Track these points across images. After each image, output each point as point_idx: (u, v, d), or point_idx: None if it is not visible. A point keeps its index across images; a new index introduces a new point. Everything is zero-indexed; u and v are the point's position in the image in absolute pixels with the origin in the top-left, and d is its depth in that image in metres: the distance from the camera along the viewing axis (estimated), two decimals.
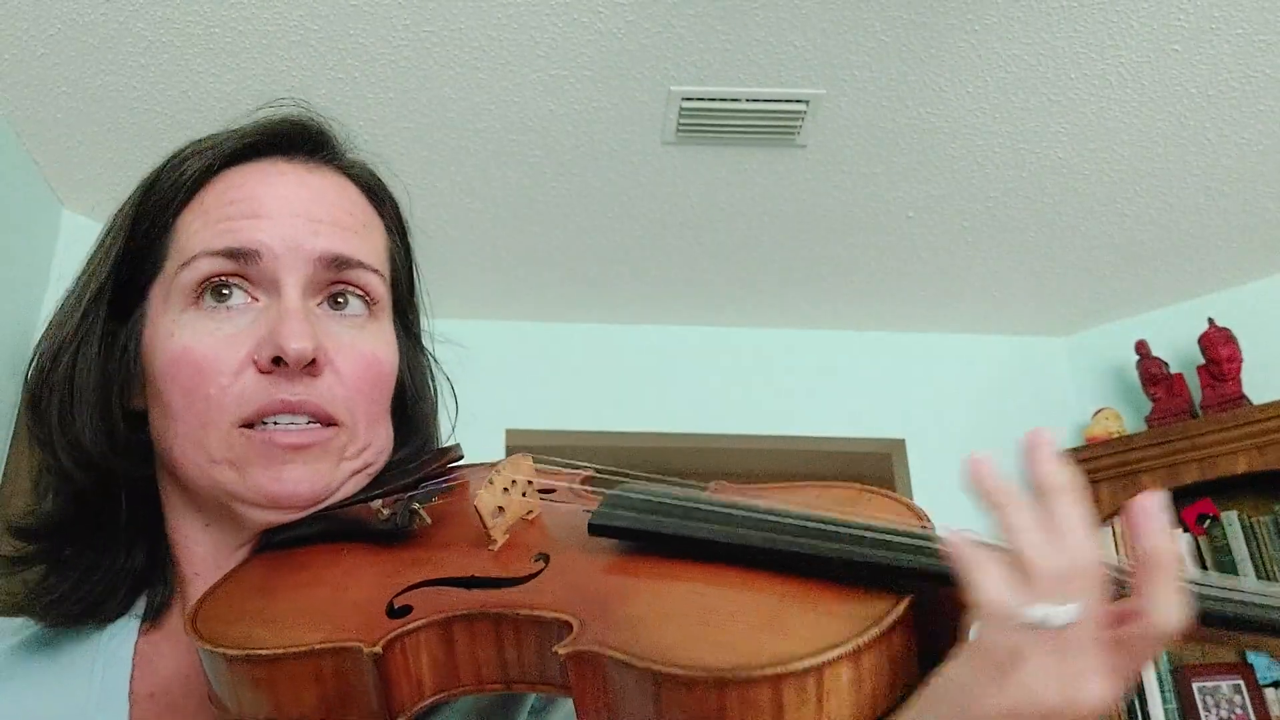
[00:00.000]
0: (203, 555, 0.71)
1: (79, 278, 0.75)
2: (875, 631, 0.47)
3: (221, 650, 0.56)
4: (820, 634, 0.47)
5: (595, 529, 0.59)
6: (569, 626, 0.51)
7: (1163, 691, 3.11)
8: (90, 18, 2.27)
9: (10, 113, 2.57)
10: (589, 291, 3.52)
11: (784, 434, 3.61)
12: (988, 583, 0.47)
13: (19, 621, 0.72)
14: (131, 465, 0.71)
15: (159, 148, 0.76)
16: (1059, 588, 0.46)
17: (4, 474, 2.61)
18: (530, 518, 0.66)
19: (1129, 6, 2.27)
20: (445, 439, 0.82)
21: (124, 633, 0.71)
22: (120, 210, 0.75)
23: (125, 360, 0.71)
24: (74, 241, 2.90)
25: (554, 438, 3.46)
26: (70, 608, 0.69)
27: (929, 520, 0.57)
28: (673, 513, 0.58)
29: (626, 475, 0.66)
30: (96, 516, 0.70)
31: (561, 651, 0.50)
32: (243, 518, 0.68)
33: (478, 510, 0.63)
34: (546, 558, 0.60)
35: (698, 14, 2.30)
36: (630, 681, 0.47)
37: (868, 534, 0.53)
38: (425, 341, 0.84)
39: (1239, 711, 3.05)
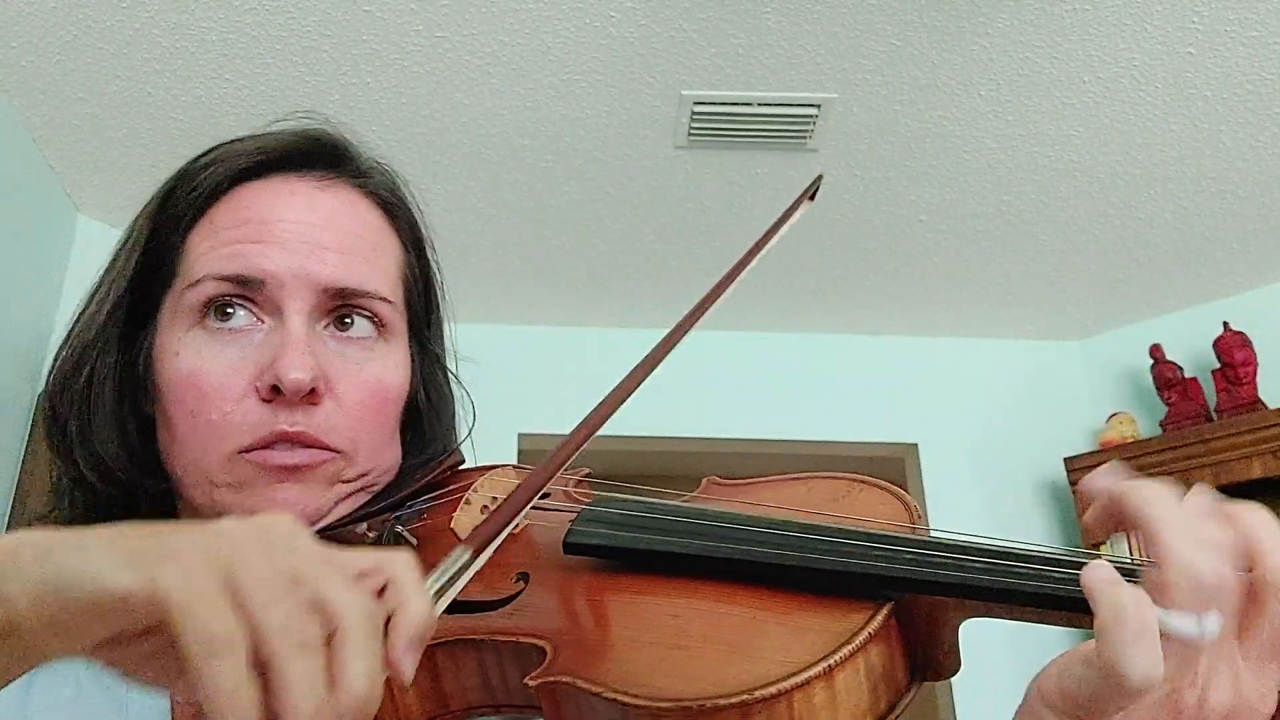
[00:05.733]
0: None
1: (98, 287, 0.75)
2: (847, 650, 0.45)
3: None
4: (791, 654, 0.45)
5: (570, 548, 0.58)
6: (543, 653, 0.51)
7: None
8: (106, 24, 2.29)
9: (27, 119, 2.59)
10: (601, 296, 3.52)
11: (797, 439, 3.60)
12: (1119, 594, 0.40)
13: None
14: (150, 480, 0.71)
15: (175, 154, 0.77)
16: (1212, 600, 0.40)
17: (19, 476, 2.63)
18: (516, 531, 0.64)
19: (1143, 10, 2.26)
20: (461, 448, 0.82)
21: None
22: (137, 220, 0.75)
23: (138, 368, 0.72)
24: (89, 247, 2.92)
25: None
26: None
27: (918, 512, 0.56)
28: (648, 528, 0.57)
29: (617, 484, 0.65)
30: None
31: (532, 683, 0.49)
32: None
33: (454, 533, 0.62)
34: (527, 577, 0.59)
35: (709, 18, 2.30)
36: (601, 711, 0.47)
37: (844, 541, 0.51)
38: (450, 355, 0.84)
39: None
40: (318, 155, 0.75)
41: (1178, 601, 0.40)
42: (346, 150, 0.77)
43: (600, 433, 0.57)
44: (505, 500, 0.48)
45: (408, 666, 0.39)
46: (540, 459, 0.58)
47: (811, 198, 0.73)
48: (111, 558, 0.38)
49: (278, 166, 0.73)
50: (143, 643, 0.40)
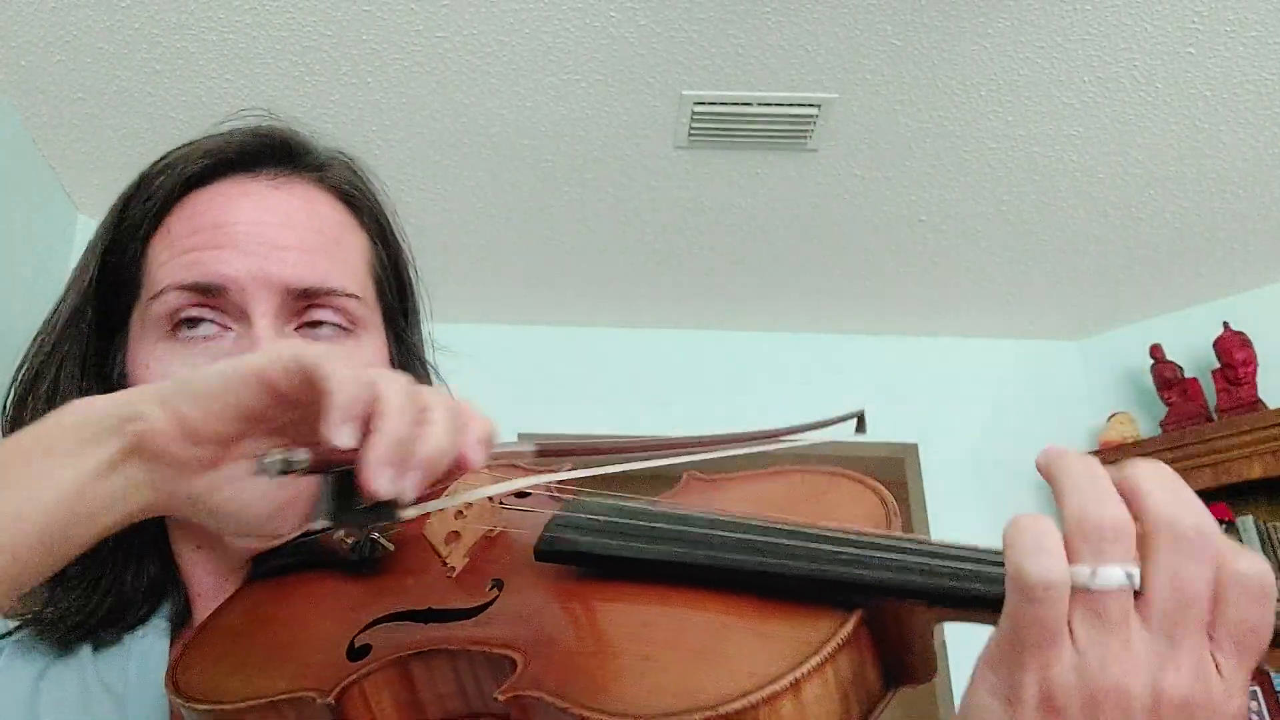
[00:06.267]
0: (201, 576, 0.71)
1: (58, 301, 0.74)
2: (815, 661, 0.44)
3: (191, 705, 0.57)
4: (760, 665, 0.45)
5: (541, 554, 0.58)
6: (514, 664, 0.51)
7: None
8: (106, 24, 2.29)
9: (27, 119, 2.59)
10: (601, 295, 3.52)
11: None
12: (1027, 543, 0.41)
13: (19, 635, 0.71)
14: None
15: None
16: (1108, 545, 0.41)
17: None
18: (493, 534, 0.64)
19: (1143, 10, 2.26)
20: None
21: (154, 634, 0.71)
22: (98, 231, 0.74)
23: (112, 381, 0.71)
24: None
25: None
26: (84, 623, 0.68)
27: (894, 508, 0.55)
28: (618, 533, 0.56)
29: (593, 488, 0.64)
30: None
31: (501, 697, 0.49)
32: (227, 544, 0.68)
33: (428, 540, 0.62)
34: (501, 584, 0.59)
35: (710, 18, 2.30)
36: None
37: (814, 546, 0.50)
38: (428, 344, 0.83)
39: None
40: (269, 153, 0.74)
41: (1078, 552, 0.41)
42: (299, 145, 0.76)
43: (607, 433, 0.56)
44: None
45: (478, 456, 0.49)
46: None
47: (859, 428, 0.70)
48: (230, 362, 0.50)
49: (230, 168, 0.72)
50: (250, 443, 0.52)
